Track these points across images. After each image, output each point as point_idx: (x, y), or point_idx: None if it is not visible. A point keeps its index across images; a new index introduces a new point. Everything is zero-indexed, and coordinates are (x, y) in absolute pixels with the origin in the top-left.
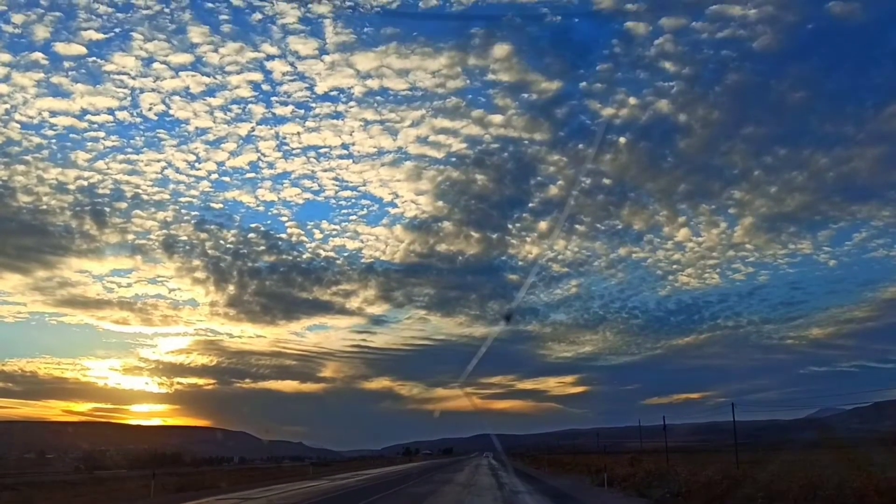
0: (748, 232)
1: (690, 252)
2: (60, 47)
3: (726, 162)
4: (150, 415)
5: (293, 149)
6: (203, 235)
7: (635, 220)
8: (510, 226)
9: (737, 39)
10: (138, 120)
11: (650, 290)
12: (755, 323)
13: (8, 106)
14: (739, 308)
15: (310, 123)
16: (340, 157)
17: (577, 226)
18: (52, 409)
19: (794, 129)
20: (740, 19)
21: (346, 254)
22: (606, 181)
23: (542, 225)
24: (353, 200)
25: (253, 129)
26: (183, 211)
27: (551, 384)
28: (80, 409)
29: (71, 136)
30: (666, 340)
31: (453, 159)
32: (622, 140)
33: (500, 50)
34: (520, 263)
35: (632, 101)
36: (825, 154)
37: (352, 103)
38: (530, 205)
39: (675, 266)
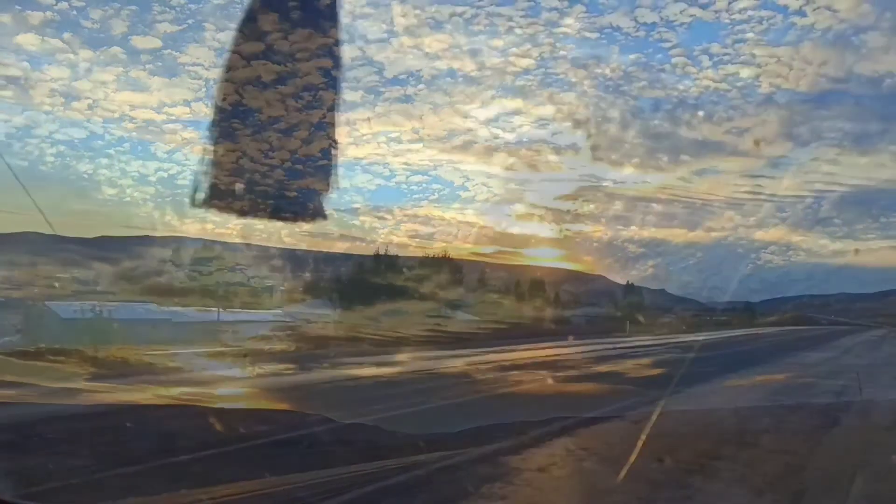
0: None
1: None
2: (137, 41)
3: None
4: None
5: (363, 135)
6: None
7: None
8: None
9: None
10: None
11: None
12: None
13: (91, 101)
14: None
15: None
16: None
17: None
18: None
19: None
20: None
21: None
22: None
23: None
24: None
25: (324, 117)
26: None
27: None
28: None
29: (150, 128)
30: None
31: None
32: None
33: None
34: None
35: None
36: None
37: (421, 86)
38: None
39: None
